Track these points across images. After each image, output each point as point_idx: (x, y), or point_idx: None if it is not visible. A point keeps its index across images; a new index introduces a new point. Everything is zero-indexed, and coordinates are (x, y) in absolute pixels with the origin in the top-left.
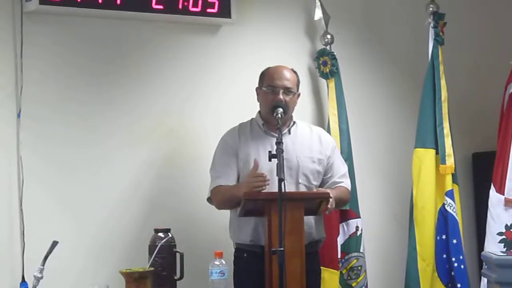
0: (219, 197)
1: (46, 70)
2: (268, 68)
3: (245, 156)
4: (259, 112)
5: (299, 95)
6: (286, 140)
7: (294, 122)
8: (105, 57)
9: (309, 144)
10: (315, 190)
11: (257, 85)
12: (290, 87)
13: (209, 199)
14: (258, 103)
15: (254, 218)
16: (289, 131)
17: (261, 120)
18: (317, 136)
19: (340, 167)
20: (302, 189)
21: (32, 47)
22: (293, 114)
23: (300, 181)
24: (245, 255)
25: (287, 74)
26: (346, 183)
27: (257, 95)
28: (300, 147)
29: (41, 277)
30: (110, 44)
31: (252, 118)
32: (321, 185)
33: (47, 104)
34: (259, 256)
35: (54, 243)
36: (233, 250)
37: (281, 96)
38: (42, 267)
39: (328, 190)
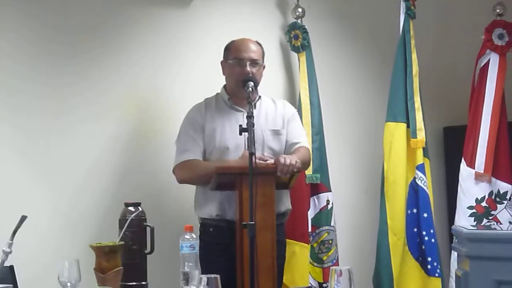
0: (196, 171)
1: (16, 42)
2: (233, 41)
3: (211, 131)
4: (224, 86)
5: (264, 67)
6: None
7: (260, 97)
8: (75, 29)
9: (273, 117)
10: (281, 159)
11: (222, 59)
12: (257, 58)
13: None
14: (224, 77)
15: (220, 193)
16: (254, 105)
17: (227, 94)
18: (280, 108)
19: (296, 129)
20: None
21: (2, 19)
22: (263, 88)
23: (265, 154)
24: (211, 229)
25: (253, 46)
26: (304, 142)
27: (223, 68)
28: (265, 121)
29: (10, 252)
30: (80, 15)
31: (217, 93)
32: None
33: (17, 75)
34: (225, 230)
35: (23, 218)
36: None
37: (248, 68)
38: (11, 241)
39: (294, 158)
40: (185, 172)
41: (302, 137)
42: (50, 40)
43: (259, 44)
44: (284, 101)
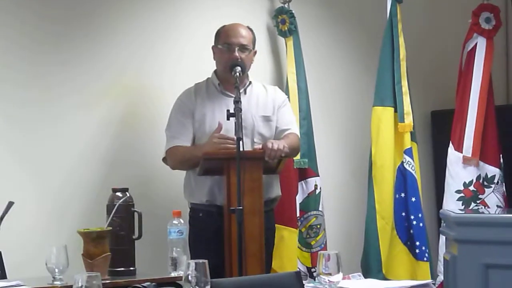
0: (178, 157)
1: (2, 31)
2: (224, 26)
3: (201, 117)
4: (215, 71)
5: (255, 52)
6: (242, 100)
7: (250, 82)
8: (61, 17)
9: (264, 103)
10: (268, 144)
11: (213, 44)
12: (246, 44)
13: (164, 159)
14: (214, 62)
15: (210, 179)
16: (244, 91)
17: (217, 79)
18: (271, 94)
19: (287, 115)
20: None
21: None
22: (250, 73)
23: (255, 140)
24: (200, 214)
25: (243, 31)
26: (293, 129)
27: (213, 53)
28: (255, 107)
29: None
30: (66, 3)
31: (208, 78)
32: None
33: (3, 65)
34: (215, 215)
35: (10, 204)
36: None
37: (236, 54)
38: None
39: (282, 143)
40: (171, 159)
41: (292, 123)
42: (36, 29)
43: (250, 30)
44: (275, 87)
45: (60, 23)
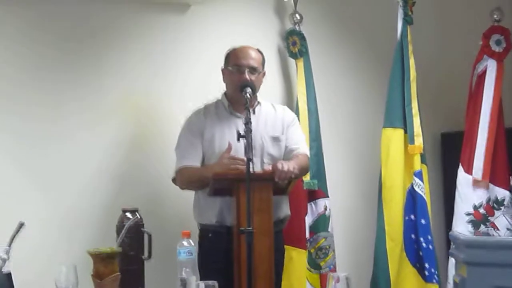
0: (187, 178)
1: (13, 48)
2: (234, 48)
3: (210, 137)
4: (225, 93)
5: (264, 74)
6: (251, 119)
7: (259, 102)
8: (72, 35)
9: (273, 123)
10: (278, 165)
11: (222, 65)
12: (256, 66)
13: (174, 180)
14: (224, 84)
15: (219, 200)
16: (253, 111)
17: (227, 101)
18: (280, 114)
19: (296, 135)
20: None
21: None
22: (261, 94)
23: (265, 160)
24: (210, 235)
25: (252, 53)
26: (303, 148)
27: (223, 75)
28: (264, 127)
29: (7, 258)
30: (77, 22)
31: (218, 99)
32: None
33: (15, 82)
34: (224, 236)
35: (21, 225)
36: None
37: (246, 76)
38: (8, 248)
39: (291, 165)
40: (180, 179)
41: (301, 142)
42: (47, 47)
43: (260, 52)
44: (284, 106)
45: (70, 42)
